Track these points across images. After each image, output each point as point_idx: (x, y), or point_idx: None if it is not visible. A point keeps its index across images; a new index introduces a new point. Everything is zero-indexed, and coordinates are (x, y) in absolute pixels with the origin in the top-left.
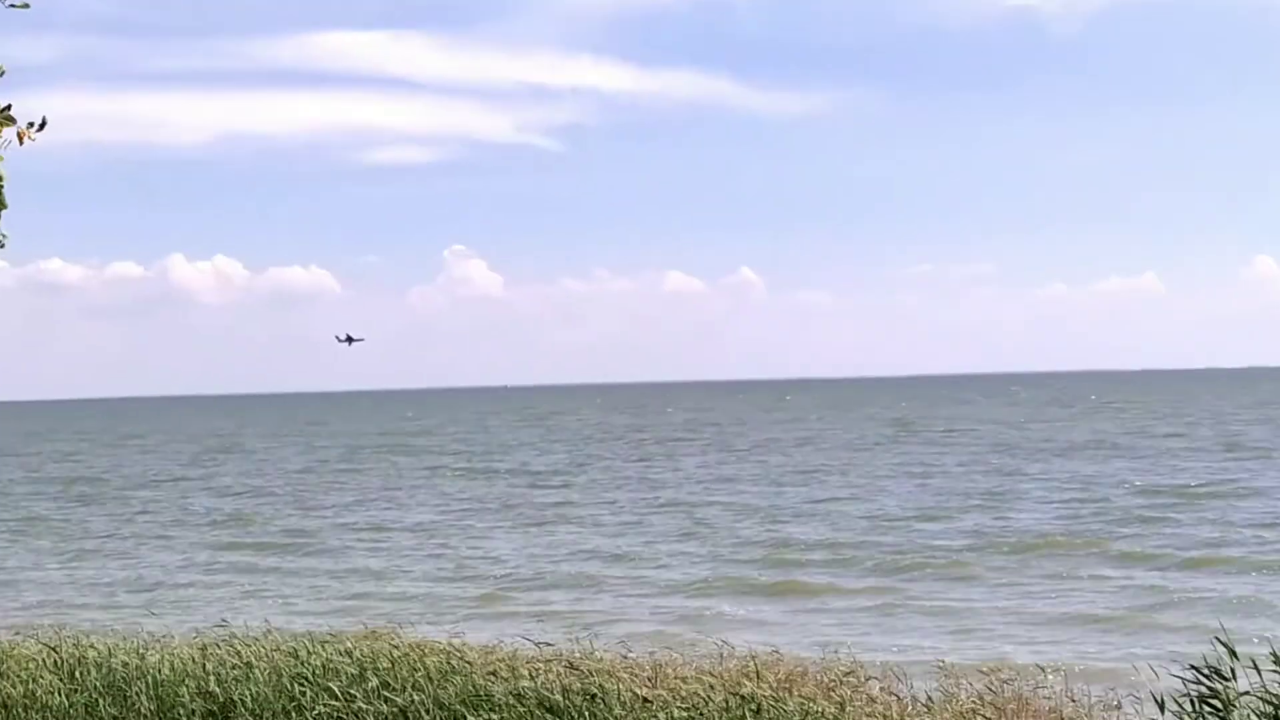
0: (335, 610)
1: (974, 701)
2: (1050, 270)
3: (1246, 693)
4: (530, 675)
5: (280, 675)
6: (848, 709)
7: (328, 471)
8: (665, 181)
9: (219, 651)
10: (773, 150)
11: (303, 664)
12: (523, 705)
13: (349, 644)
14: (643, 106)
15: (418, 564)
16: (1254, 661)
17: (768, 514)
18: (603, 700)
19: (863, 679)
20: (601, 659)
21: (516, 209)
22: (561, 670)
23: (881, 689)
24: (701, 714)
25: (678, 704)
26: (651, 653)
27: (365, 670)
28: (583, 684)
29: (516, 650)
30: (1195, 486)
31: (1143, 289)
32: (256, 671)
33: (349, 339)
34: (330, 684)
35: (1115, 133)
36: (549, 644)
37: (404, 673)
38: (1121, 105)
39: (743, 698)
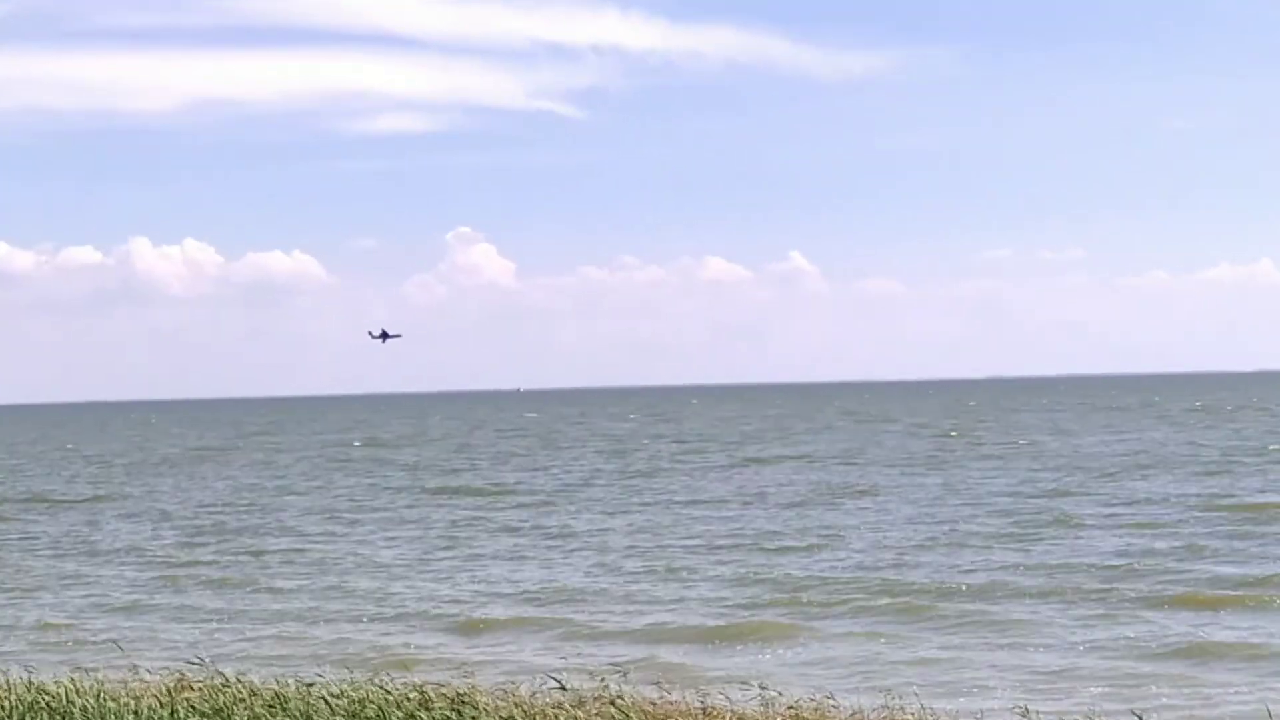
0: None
1: None
2: (1149, 256)
3: None
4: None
5: None
6: None
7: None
8: (701, 154)
9: (189, 695)
10: (829, 117)
11: (285, 710)
12: None
13: (334, 689)
14: (676, 67)
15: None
16: None
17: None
18: None
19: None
20: (633, 702)
21: (530, 186)
22: (586, 716)
23: None
24: None
25: None
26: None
27: (356, 717)
28: None
29: (535, 694)
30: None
31: (1257, 278)
32: (232, 718)
33: (384, 335)
34: None
35: (1222, 96)
36: (562, 688)
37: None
38: (1229, 64)
39: None
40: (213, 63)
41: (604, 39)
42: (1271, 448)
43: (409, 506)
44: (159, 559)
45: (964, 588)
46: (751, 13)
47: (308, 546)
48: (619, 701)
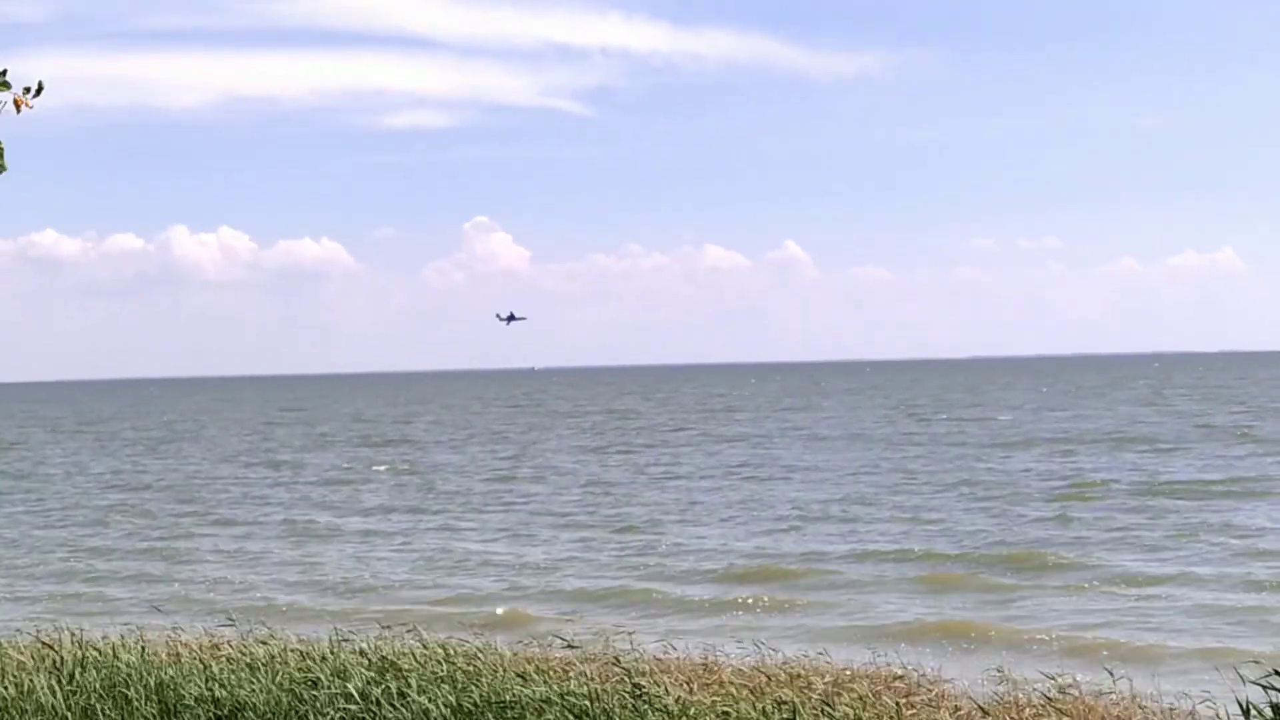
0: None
1: (1036, 708)
2: (1119, 245)
3: None
4: (562, 678)
5: (291, 677)
6: (904, 715)
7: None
8: (703, 149)
9: (227, 651)
10: (821, 115)
11: (316, 665)
12: (551, 711)
13: (364, 645)
14: (678, 68)
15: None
16: None
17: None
18: (634, 708)
19: (914, 684)
20: (640, 657)
21: (542, 178)
22: (595, 671)
23: (934, 695)
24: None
25: (717, 710)
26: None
27: (384, 673)
28: (617, 687)
29: (548, 652)
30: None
31: (1220, 264)
32: (266, 673)
33: (510, 317)
34: (346, 686)
35: (1188, 95)
36: (571, 646)
37: (425, 676)
38: (1195, 63)
39: (779, 702)
40: (244, 62)
41: (610, 41)
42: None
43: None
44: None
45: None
46: (749, 16)
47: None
48: (623, 658)
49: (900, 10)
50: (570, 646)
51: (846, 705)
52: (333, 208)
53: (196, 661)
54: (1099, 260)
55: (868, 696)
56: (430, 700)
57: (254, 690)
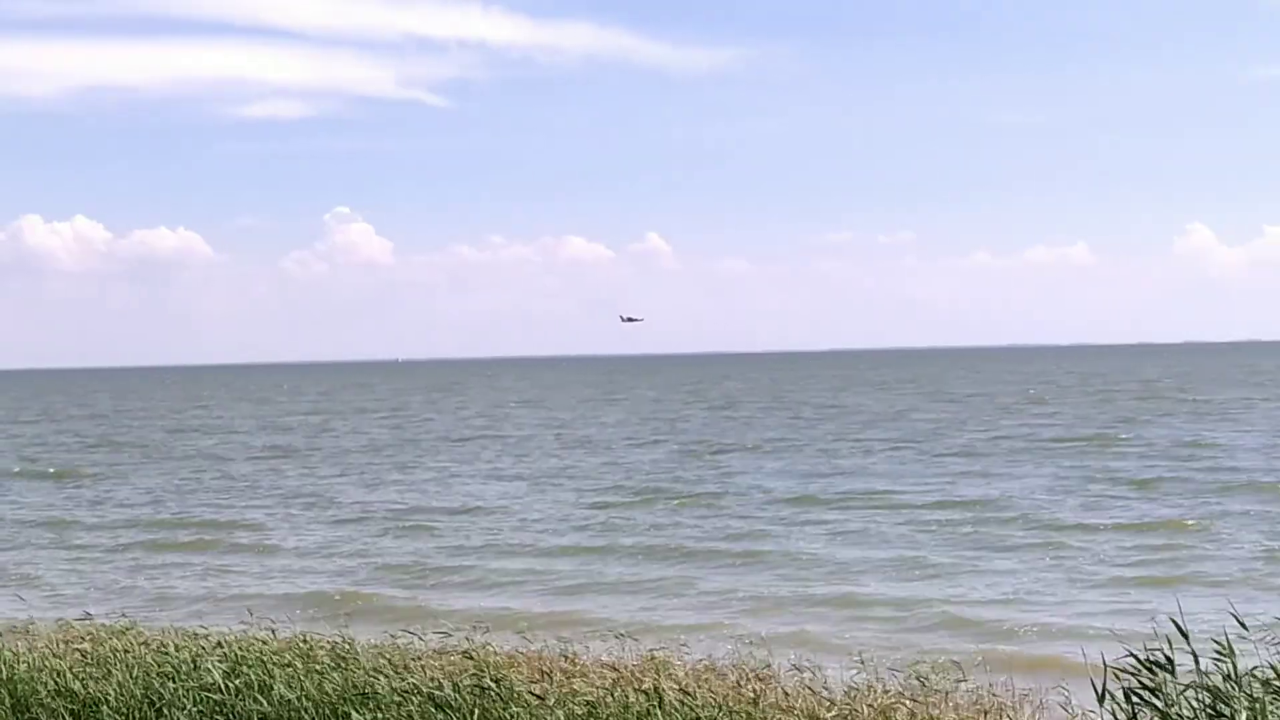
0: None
1: (892, 696)
2: (973, 239)
3: (1190, 685)
4: (420, 670)
5: (147, 671)
6: (761, 704)
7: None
8: (562, 141)
9: (82, 645)
10: (679, 108)
11: (170, 659)
12: (410, 702)
13: (220, 639)
14: (535, 61)
15: None
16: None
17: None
18: (496, 695)
19: (777, 672)
20: (498, 651)
21: (402, 169)
22: (455, 663)
23: (796, 683)
24: (601, 709)
25: (576, 699)
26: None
27: (238, 666)
28: (476, 678)
29: (407, 645)
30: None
31: (1072, 258)
32: (120, 668)
33: (630, 319)
34: (201, 680)
35: (1045, 91)
36: (443, 633)
37: (280, 669)
38: (1051, 61)
39: (645, 693)
40: (102, 51)
41: (468, 33)
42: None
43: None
44: None
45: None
46: (607, 11)
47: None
48: (480, 650)
49: (756, 5)
50: (440, 634)
51: (709, 692)
52: (191, 197)
53: (50, 655)
54: (954, 253)
55: (731, 686)
56: (291, 691)
57: (108, 686)
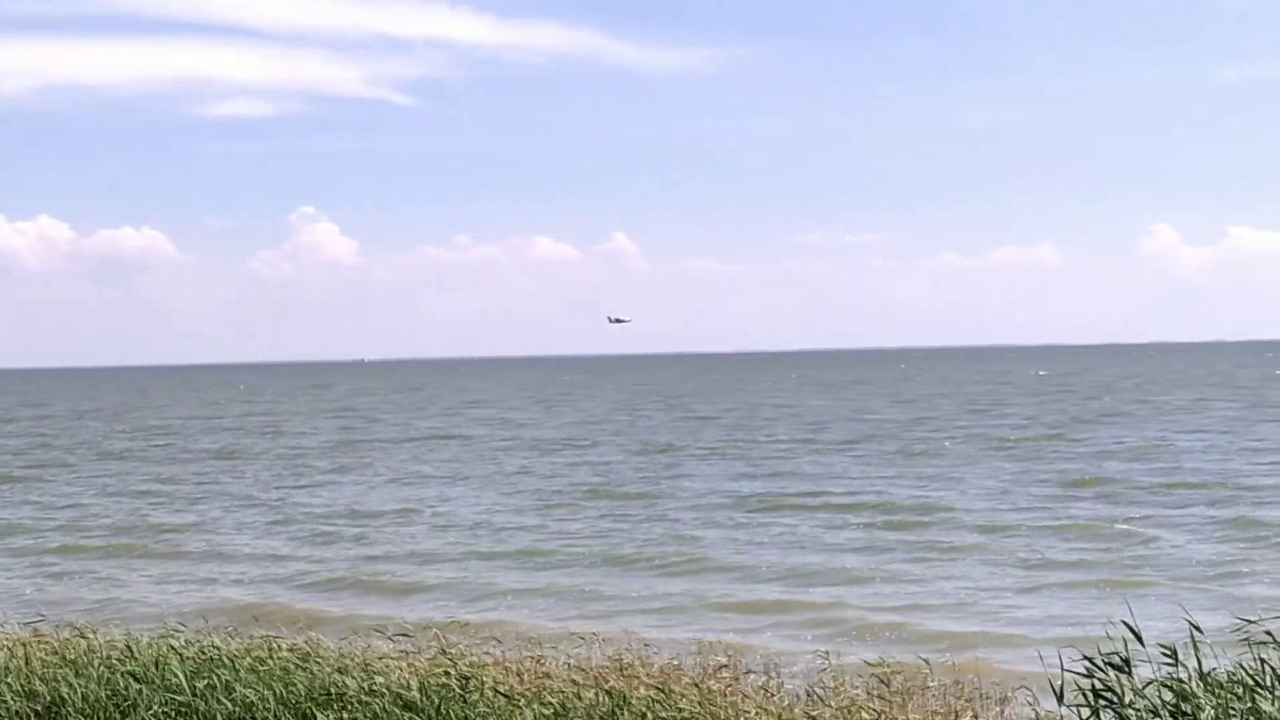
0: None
1: (856, 695)
2: (942, 240)
3: (1151, 681)
4: (385, 670)
5: (113, 671)
6: (721, 704)
7: None
8: (530, 141)
9: (45, 646)
10: (648, 109)
11: (135, 660)
12: (377, 702)
13: (186, 639)
14: (504, 61)
15: None
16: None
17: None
18: (463, 696)
19: (741, 673)
20: (465, 653)
21: (369, 169)
22: (422, 665)
23: (761, 684)
24: (569, 711)
25: (542, 701)
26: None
27: (203, 667)
28: (444, 679)
29: (370, 645)
30: None
31: (1039, 259)
32: (85, 668)
33: (617, 320)
34: (166, 681)
35: (1013, 93)
36: (406, 635)
37: (245, 669)
38: (1020, 64)
39: (610, 693)
40: (67, 49)
41: (436, 32)
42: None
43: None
44: None
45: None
46: (575, 11)
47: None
48: (449, 649)
49: (726, 6)
50: (405, 635)
51: (680, 689)
52: (156, 197)
53: (12, 657)
54: (924, 254)
55: (699, 685)
56: (256, 693)
57: (72, 687)
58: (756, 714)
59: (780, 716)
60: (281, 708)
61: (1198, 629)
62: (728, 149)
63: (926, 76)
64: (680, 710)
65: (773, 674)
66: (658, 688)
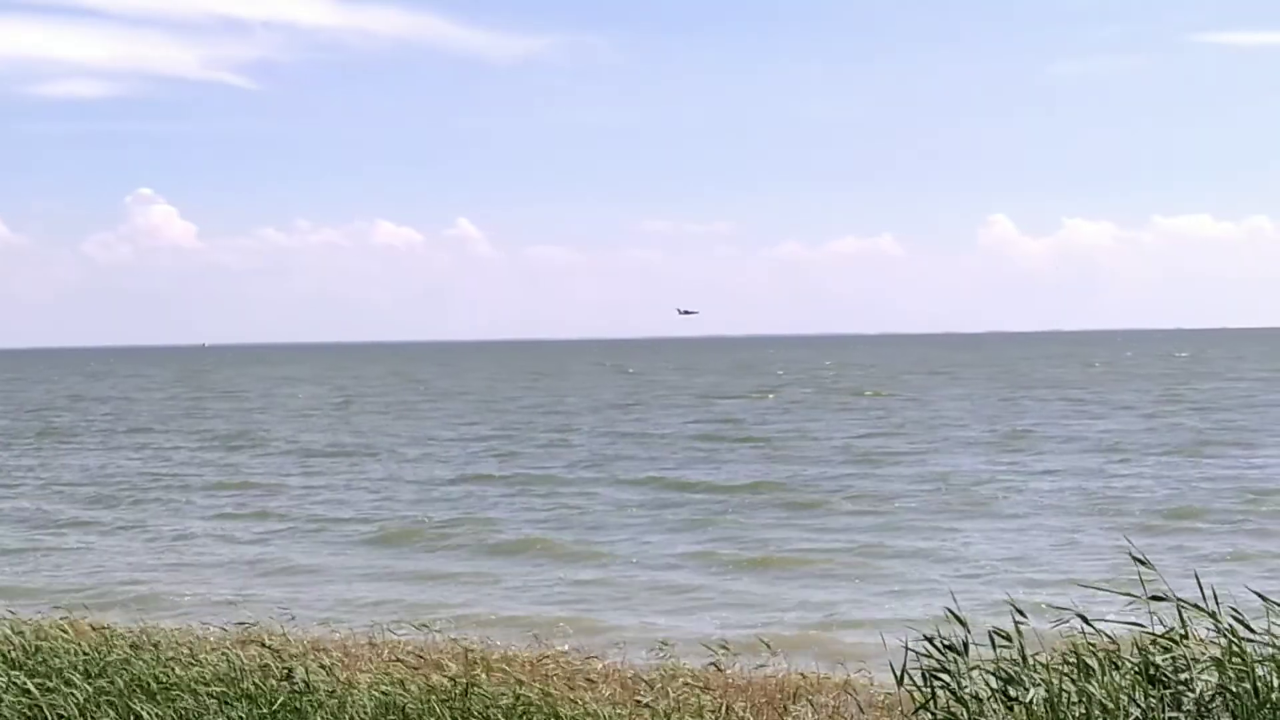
0: None
1: (691, 679)
2: (785, 229)
3: (976, 667)
4: (219, 659)
5: None
6: (552, 687)
7: None
8: (371, 125)
9: None
10: (493, 95)
11: None
12: (210, 691)
13: (16, 627)
14: (345, 44)
15: None
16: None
17: None
18: (304, 682)
19: (582, 658)
20: (295, 640)
21: (207, 151)
22: (257, 652)
23: (604, 667)
24: (401, 698)
25: (377, 688)
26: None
27: (32, 658)
28: (276, 665)
29: (207, 633)
30: None
31: (880, 250)
32: None
33: (686, 311)
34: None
35: (855, 85)
36: (245, 623)
37: (61, 661)
38: (861, 56)
39: (454, 680)
40: None
41: (275, 14)
42: None
43: None
44: None
45: None
46: None
47: None
48: (273, 638)
49: None
50: (243, 625)
51: (518, 674)
52: None
53: None
54: (766, 244)
55: (525, 670)
56: (81, 685)
57: None
58: (610, 702)
59: (616, 700)
60: (103, 698)
61: (1021, 613)
62: (573, 136)
63: (772, 68)
64: (512, 691)
65: (599, 656)
66: (506, 668)
